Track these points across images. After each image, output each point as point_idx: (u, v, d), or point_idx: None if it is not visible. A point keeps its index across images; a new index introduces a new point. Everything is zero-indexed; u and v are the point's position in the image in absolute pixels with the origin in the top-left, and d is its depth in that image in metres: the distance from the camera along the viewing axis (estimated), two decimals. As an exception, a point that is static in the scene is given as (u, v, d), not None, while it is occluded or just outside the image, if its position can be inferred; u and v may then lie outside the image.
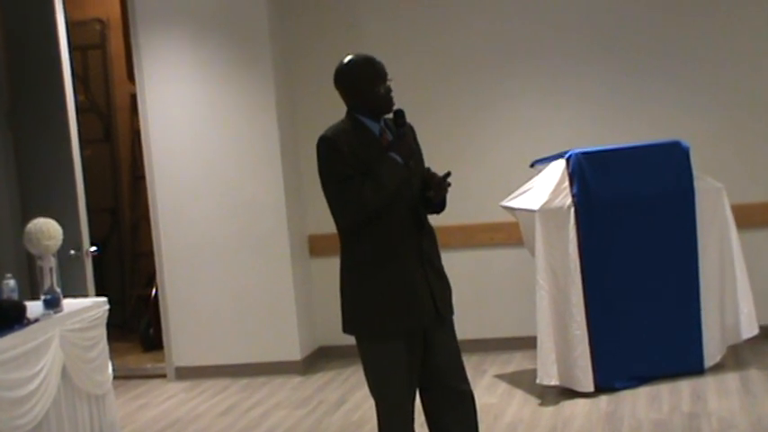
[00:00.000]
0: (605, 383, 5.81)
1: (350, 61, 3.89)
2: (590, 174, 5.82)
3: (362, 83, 3.83)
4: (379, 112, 3.87)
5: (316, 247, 7.34)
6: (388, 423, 3.88)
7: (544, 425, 5.40)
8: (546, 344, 5.75)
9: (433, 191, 3.83)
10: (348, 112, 3.90)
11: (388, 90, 3.86)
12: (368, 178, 3.71)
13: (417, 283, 3.82)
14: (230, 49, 7.02)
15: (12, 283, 4.63)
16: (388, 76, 3.87)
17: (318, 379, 6.86)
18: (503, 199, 6.26)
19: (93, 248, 6.30)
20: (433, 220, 3.98)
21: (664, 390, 5.76)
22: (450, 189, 3.85)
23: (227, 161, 7.07)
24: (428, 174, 3.87)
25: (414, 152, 3.86)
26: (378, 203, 3.73)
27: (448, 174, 3.82)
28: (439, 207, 3.94)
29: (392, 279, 3.79)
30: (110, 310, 5.07)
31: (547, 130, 6.93)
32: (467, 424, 3.96)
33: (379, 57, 3.91)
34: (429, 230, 3.93)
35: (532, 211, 5.83)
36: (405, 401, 3.85)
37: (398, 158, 3.76)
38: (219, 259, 7.13)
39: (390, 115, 3.89)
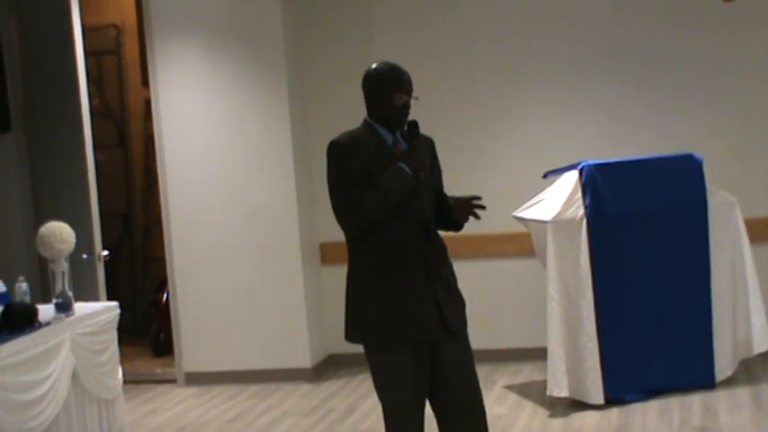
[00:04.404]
0: (616, 396, 5.79)
1: (376, 66, 3.89)
2: (602, 185, 5.80)
3: (381, 89, 3.82)
4: (391, 122, 3.84)
5: (327, 254, 7.34)
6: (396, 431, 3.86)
7: (553, 436, 5.40)
8: (556, 355, 5.74)
9: (458, 213, 3.80)
10: (365, 119, 3.90)
11: (406, 104, 3.83)
12: (372, 187, 3.70)
13: (421, 294, 3.78)
14: (244, 55, 7.04)
15: (24, 286, 4.65)
16: (413, 92, 3.84)
17: (328, 387, 6.86)
18: (515, 209, 6.25)
19: (105, 253, 6.32)
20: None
21: (674, 403, 5.74)
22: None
23: (239, 167, 7.08)
24: (453, 200, 3.82)
25: (425, 165, 3.81)
26: (379, 213, 3.71)
27: (474, 197, 3.79)
28: (455, 226, 3.93)
29: (394, 290, 3.77)
30: (121, 314, 5.09)
31: (560, 142, 6.92)
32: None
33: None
34: (438, 244, 3.89)
35: (544, 222, 5.82)
36: (412, 411, 3.82)
37: (407, 169, 3.73)
38: (231, 265, 7.13)
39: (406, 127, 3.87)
